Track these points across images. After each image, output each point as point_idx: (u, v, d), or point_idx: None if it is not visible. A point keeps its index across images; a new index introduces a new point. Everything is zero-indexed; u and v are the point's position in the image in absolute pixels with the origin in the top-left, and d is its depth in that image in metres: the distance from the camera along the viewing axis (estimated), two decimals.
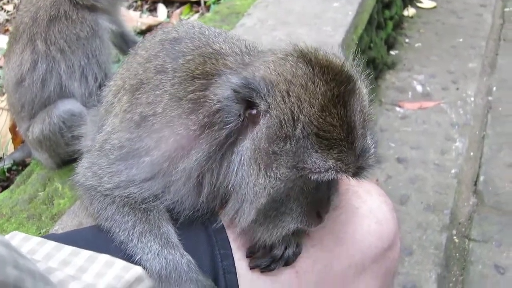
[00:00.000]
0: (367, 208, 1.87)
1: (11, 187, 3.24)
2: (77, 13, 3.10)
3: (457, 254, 3.74)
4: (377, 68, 5.78)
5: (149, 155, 1.60)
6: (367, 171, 1.54)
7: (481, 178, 4.38)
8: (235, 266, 1.65)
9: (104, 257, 1.56)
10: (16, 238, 1.62)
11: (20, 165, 3.69)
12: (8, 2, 6.41)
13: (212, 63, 1.63)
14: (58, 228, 2.52)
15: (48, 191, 3.03)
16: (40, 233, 2.71)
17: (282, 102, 1.43)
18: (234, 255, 1.66)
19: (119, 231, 1.63)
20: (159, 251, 1.58)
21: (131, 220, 1.63)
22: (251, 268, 1.65)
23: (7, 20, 6.08)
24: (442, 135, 4.93)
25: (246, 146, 1.48)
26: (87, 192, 1.72)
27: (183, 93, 1.59)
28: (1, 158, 3.76)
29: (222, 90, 1.48)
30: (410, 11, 7.16)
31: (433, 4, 7.37)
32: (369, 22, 5.21)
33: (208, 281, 1.58)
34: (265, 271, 1.65)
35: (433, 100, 5.44)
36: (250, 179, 1.48)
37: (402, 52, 6.36)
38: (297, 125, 1.41)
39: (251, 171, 1.47)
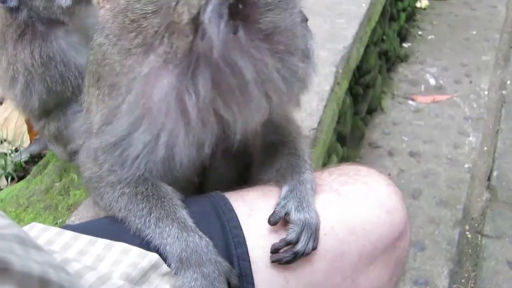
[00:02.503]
0: (377, 198, 1.89)
1: (28, 177, 3.28)
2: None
3: (470, 250, 3.74)
4: (389, 60, 5.76)
5: (124, 102, 1.59)
6: None
7: (495, 173, 4.36)
8: (248, 254, 1.68)
9: (120, 245, 1.59)
10: (34, 229, 1.65)
11: (36, 157, 3.74)
12: None
13: None
14: (75, 219, 2.55)
15: (64, 182, 3.06)
16: (57, 223, 2.75)
17: None
18: (247, 244, 1.69)
19: (135, 219, 1.65)
20: (178, 234, 1.59)
21: (147, 207, 1.65)
22: (273, 262, 1.66)
23: None
24: (455, 129, 4.92)
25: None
26: (94, 186, 1.76)
27: (128, 44, 1.56)
28: (17, 150, 3.81)
29: None
30: (423, 3, 7.12)
31: None
32: (382, 14, 5.18)
33: (225, 263, 1.61)
34: (285, 265, 1.67)
35: (446, 93, 5.42)
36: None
37: (415, 44, 6.34)
38: None
39: None
